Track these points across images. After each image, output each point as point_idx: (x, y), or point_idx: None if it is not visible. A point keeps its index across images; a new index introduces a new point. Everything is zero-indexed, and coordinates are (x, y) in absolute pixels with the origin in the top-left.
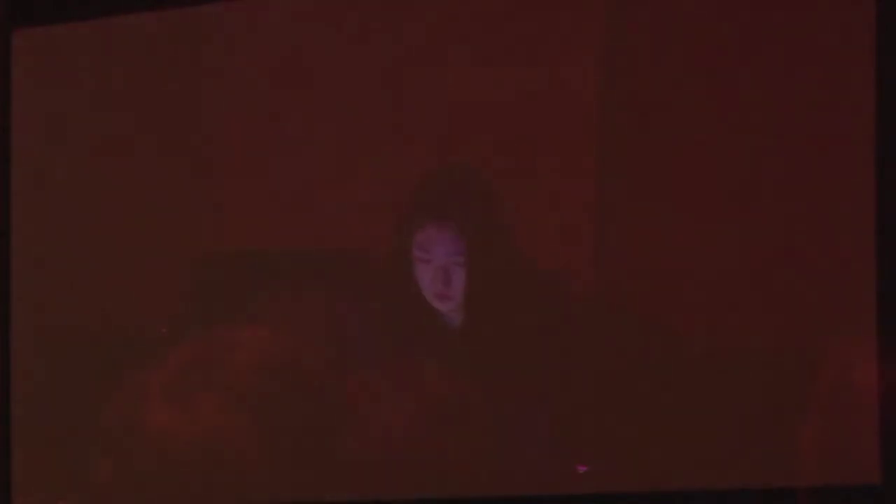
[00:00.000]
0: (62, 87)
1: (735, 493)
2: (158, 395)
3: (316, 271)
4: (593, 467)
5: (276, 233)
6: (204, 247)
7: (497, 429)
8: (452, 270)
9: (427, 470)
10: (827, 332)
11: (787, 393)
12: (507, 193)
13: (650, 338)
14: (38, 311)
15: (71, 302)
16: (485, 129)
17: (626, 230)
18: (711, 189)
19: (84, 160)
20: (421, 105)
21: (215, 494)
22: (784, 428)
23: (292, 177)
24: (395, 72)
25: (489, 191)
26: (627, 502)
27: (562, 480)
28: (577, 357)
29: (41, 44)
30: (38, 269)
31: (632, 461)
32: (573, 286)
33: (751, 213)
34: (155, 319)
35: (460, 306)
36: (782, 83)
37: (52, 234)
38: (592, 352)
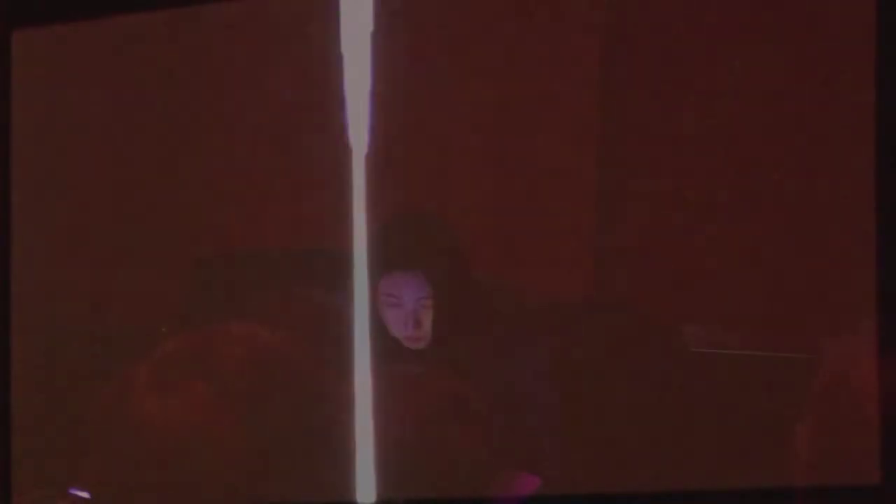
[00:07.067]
0: (62, 87)
1: (735, 493)
2: (160, 394)
3: (315, 271)
4: (593, 467)
5: (276, 233)
6: (204, 246)
7: (495, 430)
8: (422, 313)
9: (424, 471)
10: (827, 332)
11: (786, 393)
12: (507, 189)
13: (648, 338)
14: (38, 310)
15: (71, 301)
16: (481, 129)
17: (625, 229)
18: (710, 189)
19: (84, 160)
20: (420, 106)
21: (218, 493)
22: (783, 427)
23: (292, 177)
24: (394, 71)
25: (456, 235)
26: (627, 502)
27: (562, 480)
28: (576, 357)
29: (41, 44)
30: (38, 269)
31: (631, 461)
32: (571, 286)
33: (750, 213)
34: (155, 318)
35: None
36: (781, 82)
37: (52, 234)
38: (591, 352)
